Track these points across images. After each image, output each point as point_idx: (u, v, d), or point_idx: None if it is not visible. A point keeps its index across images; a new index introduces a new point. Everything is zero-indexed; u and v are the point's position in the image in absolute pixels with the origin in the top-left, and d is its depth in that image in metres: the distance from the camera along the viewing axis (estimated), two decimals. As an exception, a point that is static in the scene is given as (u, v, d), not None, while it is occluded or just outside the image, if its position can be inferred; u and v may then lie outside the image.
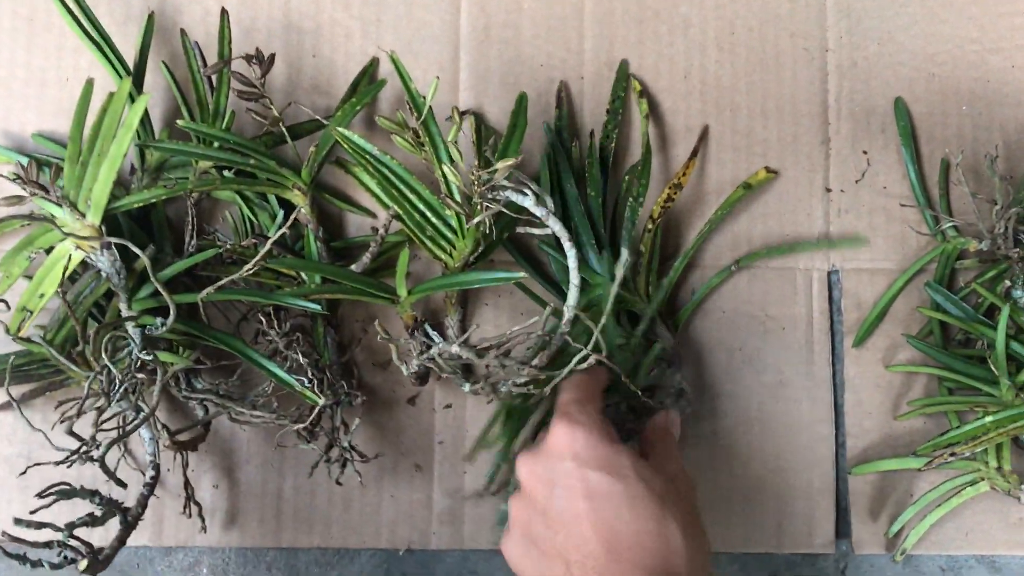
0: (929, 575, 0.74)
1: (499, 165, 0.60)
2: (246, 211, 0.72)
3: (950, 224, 0.75)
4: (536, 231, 0.63)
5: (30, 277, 0.68)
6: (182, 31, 0.73)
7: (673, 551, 0.55)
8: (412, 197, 0.68)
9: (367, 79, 0.75)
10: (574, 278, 0.63)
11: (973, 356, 0.73)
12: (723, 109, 0.77)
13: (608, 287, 0.67)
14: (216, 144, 0.69)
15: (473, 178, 0.61)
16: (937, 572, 0.74)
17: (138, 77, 0.72)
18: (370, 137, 0.69)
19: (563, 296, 0.66)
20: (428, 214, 0.67)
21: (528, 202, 0.62)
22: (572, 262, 0.62)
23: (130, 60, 0.72)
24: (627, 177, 0.74)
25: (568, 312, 0.63)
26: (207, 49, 0.73)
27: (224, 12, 0.71)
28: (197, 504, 0.70)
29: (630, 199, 0.73)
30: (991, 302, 0.72)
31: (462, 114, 0.73)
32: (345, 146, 0.68)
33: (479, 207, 0.62)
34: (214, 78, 0.71)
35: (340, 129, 0.68)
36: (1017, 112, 0.78)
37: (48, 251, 0.68)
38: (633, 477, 0.57)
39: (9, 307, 0.69)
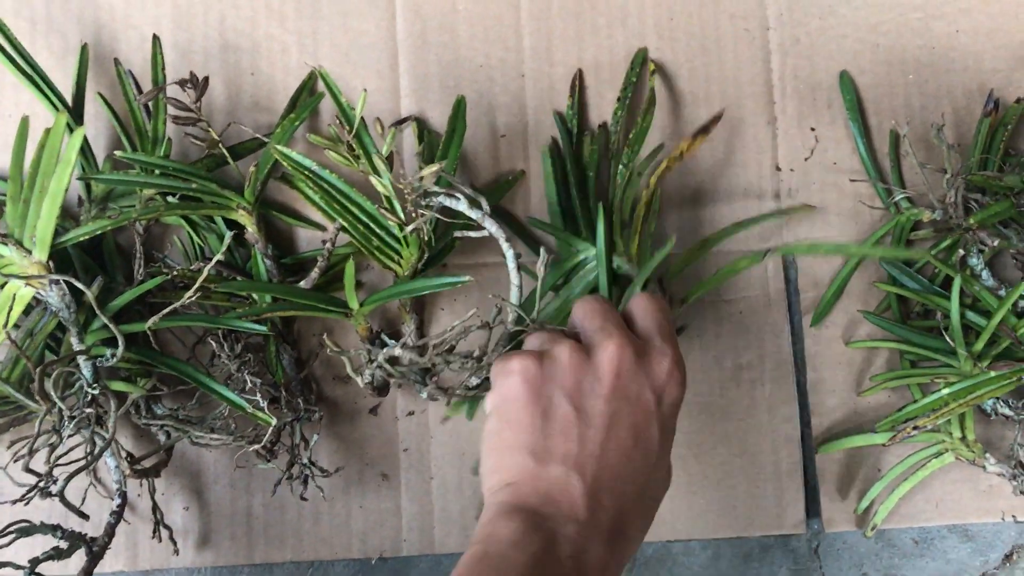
0: (902, 547, 0.74)
1: (425, 171, 0.60)
2: (194, 235, 0.72)
3: (902, 196, 0.74)
4: (472, 234, 0.63)
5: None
6: (116, 60, 0.74)
7: (634, 536, 0.55)
8: (354, 210, 0.68)
9: (306, 93, 0.75)
10: (514, 278, 0.63)
11: (932, 328, 0.72)
12: (666, 95, 0.77)
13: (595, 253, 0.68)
14: (157, 171, 0.69)
15: (403, 186, 0.61)
16: (910, 544, 0.74)
17: (77, 109, 0.72)
18: (311, 152, 0.69)
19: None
20: (372, 225, 0.68)
21: (461, 206, 0.62)
22: (511, 263, 0.62)
23: (68, 93, 0.72)
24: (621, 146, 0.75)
25: (510, 312, 0.63)
26: (144, 75, 0.73)
27: (156, 38, 0.71)
28: (167, 528, 0.70)
29: (621, 165, 0.73)
30: (946, 273, 0.72)
31: (402, 121, 0.73)
32: (285, 163, 0.68)
33: (414, 214, 0.62)
34: (151, 105, 0.71)
35: (279, 147, 0.68)
36: (963, 78, 0.77)
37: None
38: (663, 464, 0.56)
39: (-32, 347, 0.70)
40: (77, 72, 0.72)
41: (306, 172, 0.67)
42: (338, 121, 0.67)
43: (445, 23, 0.77)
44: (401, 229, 0.66)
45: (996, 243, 0.70)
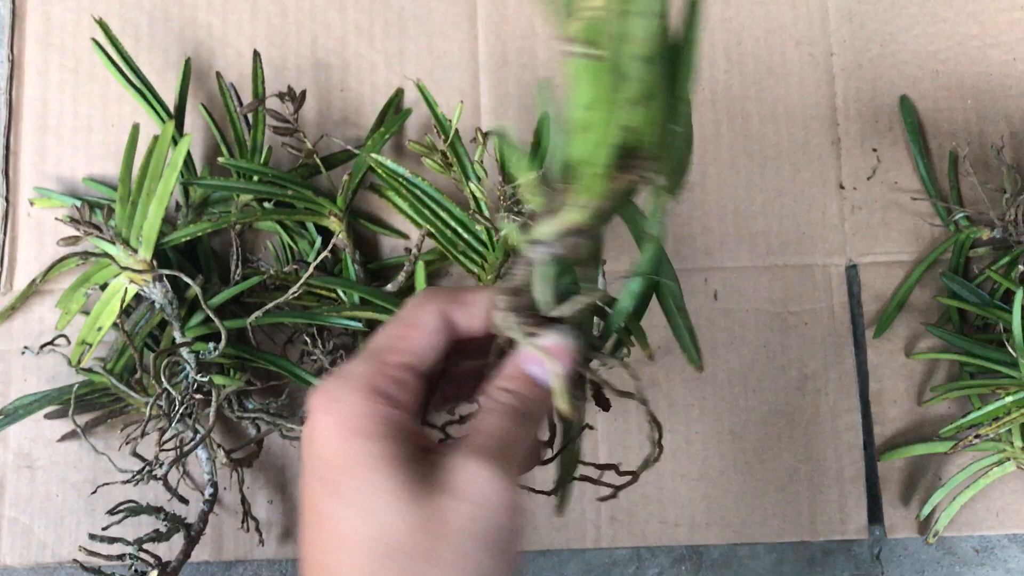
0: (962, 555, 0.76)
1: (521, 180, 0.64)
2: (286, 239, 0.76)
3: (962, 214, 0.77)
4: None
5: (87, 313, 0.72)
6: (217, 74, 0.78)
7: None
8: (443, 215, 0.71)
9: (393, 109, 0.79)
10: (600, 285, 0.66)
11: (992, 340, 0.75)
12: (735, 116, 0.81)
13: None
14: (256, 178, 0.73)
15: (499, 193, 0.65)
16: (970, 553, 0.76)
17: (179, 119, 0.76)
18: (400, 162, 0.73)
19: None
20: (459, 230, 0.71)
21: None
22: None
23: (170, 104, 0.76)
24: None
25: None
26: (241, 89, 0.78)
27: (256, 54, 0.75)
28: (255, 519, 0.73)
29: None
30: (1006, 287, 0.75)
31: (486, 135, 0.77)
32: (379, 171, 0.72)
33: (506, 219, 0.66)
34: (250, 116, 0.76)
35: (374, 155, 0.72)
36: (1020, 103, 0.80)
37: (103, 287, 0.73)
38: None
39: (69, 341, 0.74)
40: (180, 84, 0.76)
41: (399, 179, 0.71)
42: (435, 131, 0.71)
43: (524, 45, 0.81)
44: (488, 233, 0.69)
45: (1056, 258, 0.73)
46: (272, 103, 0.74)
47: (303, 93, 0.73)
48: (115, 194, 0.76)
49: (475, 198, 0.69)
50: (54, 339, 0.74)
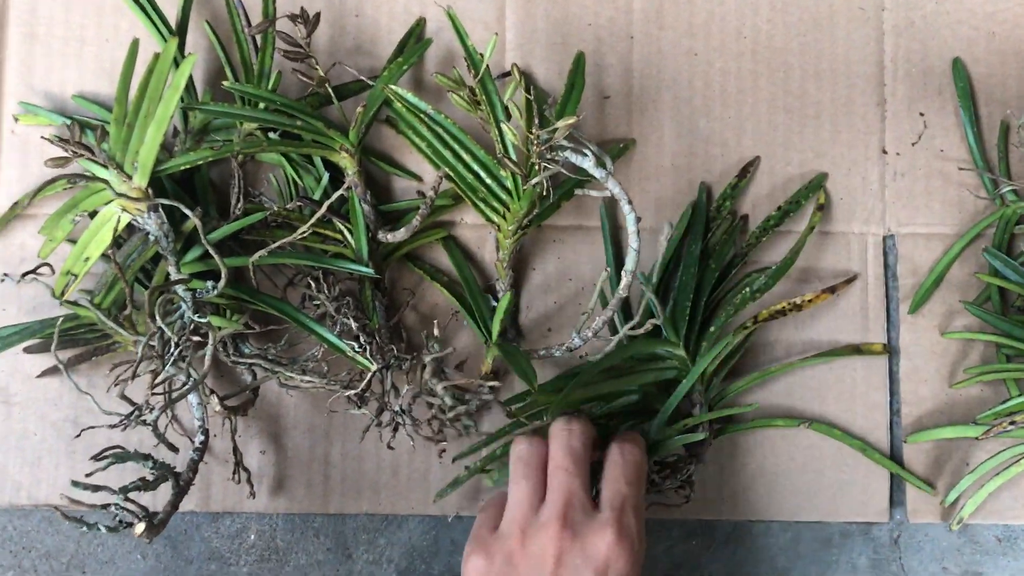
0: (984, 544, 0.73)
1: (560, 123, 0.59)
2: (291, 173, 0.71)
3: (1009, 188, 0.73)
4: (595, 193, 0.61)
5: (73, 241, 0.67)
6: (226, -11, 0.72)
7: None
8: (466, 157, 0.67)
9: (414, 39, 0.73)
10: (633, 242, 0.62)
11: (1033, 323, 0.71)
12: (775, 70, 0.75)
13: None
14: (262, 106, 0.67)
15: (532, 137, 0.59)
16: (992, 542, 0.73)
17: (180, 37, 0.70)
18: (420, 97, 0.68)
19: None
20: (483, 175, 0.66)
21: (588, 163, 0.60)
22: (631, 226, 0.61)
23: (171, 20, 0.70)
24: (743, 260, 0.73)
25: (626, 277, 0.62)
26: (250, 9, 0.72)
27: (270, -30, 0.69)
28: (246, 470, 0.69)
29: (746, 289, 0.71)
30: (1052, 267, 0.71)
31: (522, 71, 0.71)
32: (398, 104, 0.67)
33: (537, 167, 0.61)
34: (258, 38, 0.70)
35: (394, 87, 0.66)
36: (1079, 72, 0.76)
37: (92, 215, 0.67)
38: None
39: (54, 271, 0.68)
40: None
41: (420, 115, 0.66)
42: (465, 64, 0.65)
43: (557, -22, 0.75)
44: (514, 180, 0.64)
45: (1111, 240, 0.69)
46: (283, 25, 0.67)
47: (317, 16, 0.67)
48: (108, 114, 0.71)
49: (503, 140, 0.64)
50: (37, 267, 0.68)
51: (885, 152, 0.75)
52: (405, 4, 0.75)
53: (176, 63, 0.65)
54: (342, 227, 0.69)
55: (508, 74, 0.73)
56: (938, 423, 0.73)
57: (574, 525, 0.58)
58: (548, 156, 0.60)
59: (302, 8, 0.66)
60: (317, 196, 0.70)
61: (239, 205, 0.68)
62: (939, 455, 0.73)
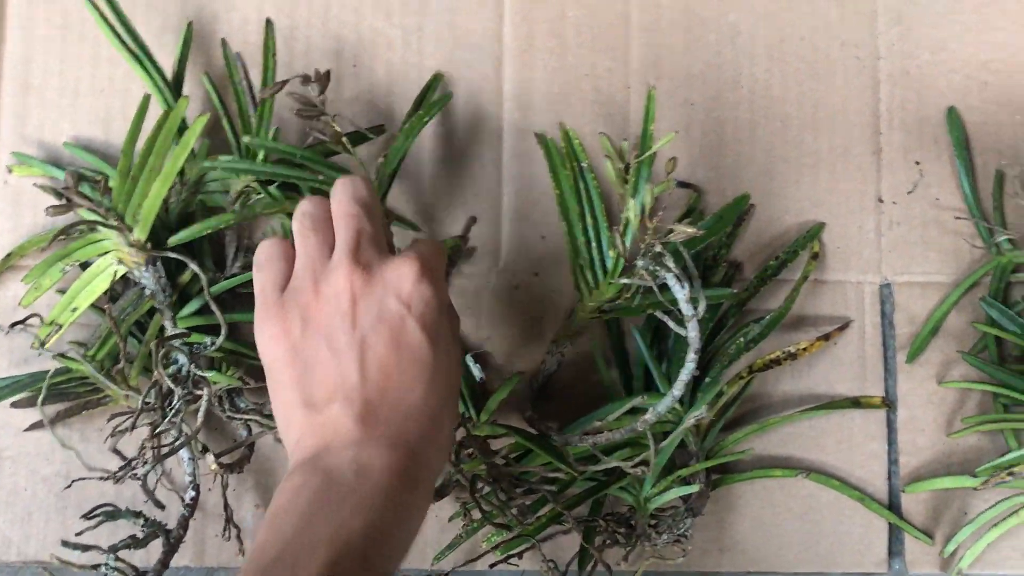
0: (984, 595, 0.73)
1: (679, 229, 0.58)
2: (288, 224, 0.71)
3: (1005, 237, 0.73)
4: (672, 325, 0.61)
5: (62, 292, 0.67)
6: (223, 41, 0.72)
7: (433, 436, 0.54)
8: (589, 220, 0.68)
9: (433, 92, 0.73)
10: (677, 390, 0.63)
11: (1030, 373, 0.71)
12: (773, 119, 0.76)
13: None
14: (261, 157, 0.67)
15: (650, 226, 0.59)
16: (992, 592, 0.73)
17: (176, 88, 0.70)
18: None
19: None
20: (594, 244, 0.67)
21: (681, 294, 0.60)
22: (686, 375, 0.63)
23: (167, 71, 0.70)
24: (739, 309, 0.73)
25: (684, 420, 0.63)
26: (247, 59, 0.72)
27: (269, 23, 0.69)
28: (236, 526, 0.68)
29: (741, 339, 0.71)
30: (1049, 317, 0.71)
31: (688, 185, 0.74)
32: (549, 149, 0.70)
33: (636, 272, 0.61)
34: (256, 90, 0.69)
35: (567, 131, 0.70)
36: (1072, 121, 0.76)
37: (83, 266, 0.67)
38: (444, 361, 0.55)
39: (42, 320, 0.68)
40: (180, 50, 0.70)
41: (576, 165, 0.69)
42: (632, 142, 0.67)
43: (553, 29, 0.75)
44: (616, 265, 0.65)
45: (1107, 292, 0.69)
46: (284, 74, 0.67)
47: (327, 74, 0.66)
48: (102, 164, 0.71)
49: (627, 221, 0.63)
50: (27, 318, 0.68)
51: (881, 201, 0.75)
52: (403, 55, 0.75)
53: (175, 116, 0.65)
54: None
55: (690, 186, 0.74)
56: (936, 473, 0.73)
57: (369, 260, 0.55)
58: (653, 266, 0.60)
59: (315, 69, 0.66)
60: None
61: (237, 263, 0.68)
62: (937, 505, 0.73)
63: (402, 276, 0.55)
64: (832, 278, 0.74)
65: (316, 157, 0.67)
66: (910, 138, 0.76)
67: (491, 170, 0.74)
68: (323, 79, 0.63)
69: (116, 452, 0.61)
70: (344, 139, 0.64)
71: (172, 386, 0.60)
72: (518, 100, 0.75)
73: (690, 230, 0.58)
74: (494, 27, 0.75)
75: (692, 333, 0.61)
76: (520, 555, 0.68)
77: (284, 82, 0.63)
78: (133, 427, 0.60)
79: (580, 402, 0.72)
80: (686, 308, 0.61)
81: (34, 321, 0.68)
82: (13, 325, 0.67)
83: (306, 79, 0.63)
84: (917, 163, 0.76)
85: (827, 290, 0.74)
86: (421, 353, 0.54)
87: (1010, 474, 0.68)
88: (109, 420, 0.63)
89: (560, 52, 0.75)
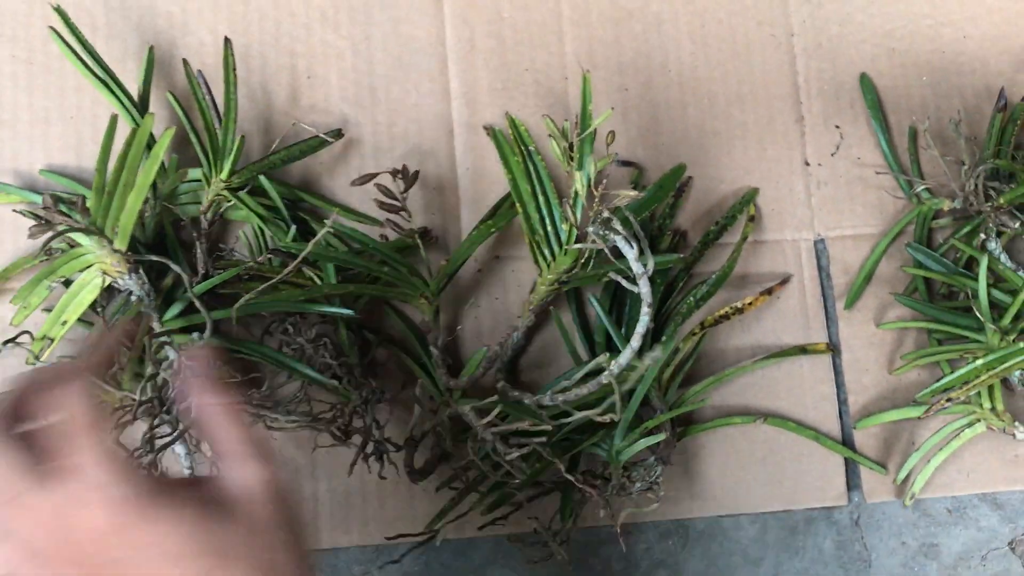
0: (936, 516, 0.79)
1: (623, 194, 0.64)
2: (258, 226, 0.75)
3: (923, 187, 0.80)
4: (625, 284, 0.67)
5: (48, 310, 0.70)
6: (184, 61, 0.76)
7: None
8: (541, 199, 0.72)
9: (507, 205, 0.78)
10: (635, 342, 0.68)
11: (958, 307, 0.77)
12: (701, 97, 0.82)
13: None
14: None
15: (596, 194, 0.65)
16: (943, 513, 0.79)
17: (143, 108, 0.74)
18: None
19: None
20: (547, 220, 0.72)
21: (631, 253, 0.65)
22: (642, 327, 0.68)
23: (133, 94, 0.74)
24: (687, 273, 0.78)
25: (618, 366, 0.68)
26: (206, 77, 0.76)
27: (227, 40, 0.73)
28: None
29: (691, 298, 0.76)
30: (969, 255, 0.77)
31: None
32: (499, 139, 0.76)
33: (588, 238, 0.66)
34: (221, 107, 0.73)
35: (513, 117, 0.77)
36: (972, 79, 0.83)
37: (66, 283, 0.70)
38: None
39: (33, 337, 0.71)
40: (144, 73, 0.74)
41: (523, 148, 0.73)
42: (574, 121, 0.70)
43: (492, 29, 0.81)
44: (570, 234, 0.70)
45: (1017, 225, 0.75)
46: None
47: (416, 174, 0.71)
48: (77, 187, 0.74)
49: (576, 195, 0.68)
50: (17, 336, 0.71)
51: (808, 164, 0.81)
52: (352, 63, 0.80)
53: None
54: (312, 274, 0.73)
55: (632, 164, 0.79)
56: (883, 408, 0.78)
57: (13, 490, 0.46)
58: (603, 231, 0.65)
59: (404, 166, 0.71)
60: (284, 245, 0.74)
61: (209, 262, 0.72)
62: (887, 437, 0.79)
63: (68, 508, 0.46)
64: (770, 238, 0.80)
65: (385, 250, 0.72)
66: (828, 105, 0.82)
67: (446, 164, 0.79)
68: (411, 178, 0.68)
69: (120, 445, 0.64)
70: (416, 236, 0.70)
71: (168, 378, 0.64)
72: (465, 98, 0.80)
73: (632, 193, 0.64)
74: (436, 32, 0.81)
75: (644, 289, 0.67)
76: (506, 517, 0.72)
77: (372, 176, 0.69)
78: (134, 418, 0.63)
79: (550, 372, 0.77)
80: (636, 266, 0.66)
81: (25, 339, 0.71)
82: (6, 343, 0.71)
83: (395, 173, 0.68)
84: (837, 127, 0.82)
85: (766, 249, 0.80)
86: None
87: (948, 400, 0.74)
88: (112, 413, 0.66)
89: (500, 50, 0.81)
